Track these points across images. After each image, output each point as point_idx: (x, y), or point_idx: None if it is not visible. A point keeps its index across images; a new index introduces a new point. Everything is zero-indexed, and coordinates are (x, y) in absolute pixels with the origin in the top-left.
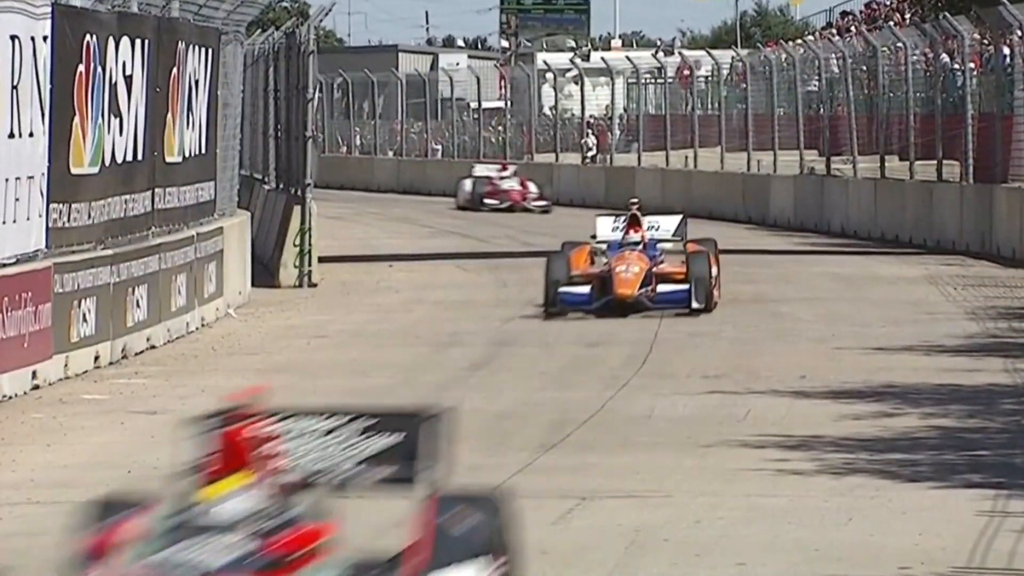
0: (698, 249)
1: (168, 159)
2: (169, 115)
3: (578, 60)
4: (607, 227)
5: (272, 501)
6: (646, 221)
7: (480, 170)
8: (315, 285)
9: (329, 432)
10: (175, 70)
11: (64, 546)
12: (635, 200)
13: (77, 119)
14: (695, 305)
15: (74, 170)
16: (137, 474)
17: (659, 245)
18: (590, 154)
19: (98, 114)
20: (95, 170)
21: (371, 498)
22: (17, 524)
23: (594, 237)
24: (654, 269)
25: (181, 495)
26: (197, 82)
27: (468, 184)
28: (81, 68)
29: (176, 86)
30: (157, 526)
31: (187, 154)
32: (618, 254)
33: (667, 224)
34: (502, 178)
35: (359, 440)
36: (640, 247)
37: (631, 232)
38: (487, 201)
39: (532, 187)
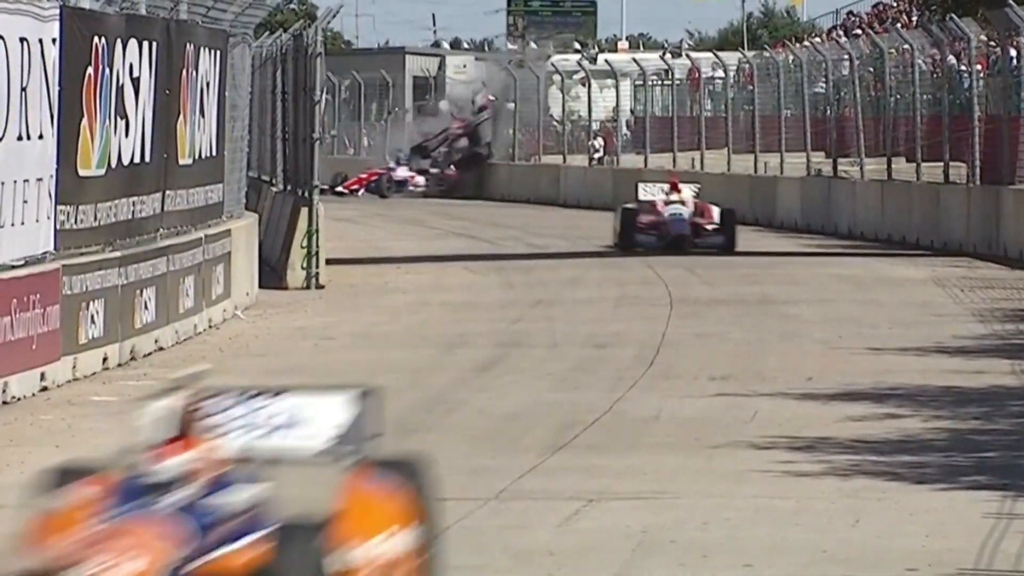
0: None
1: (180, 161)
2: (180, 117)
3: (585, 62)
4: (649, 191)
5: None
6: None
7: (645, 191)
8: (323, 287)
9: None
10: (185, 72)
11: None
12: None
13: (85, 121)
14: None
15: (81, 172)
16: None
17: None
18: (597, 156)
19: (105, 116)
20: (101, 172)
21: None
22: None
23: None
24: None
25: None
26: (208, 84)
27: (619, 213)
28: (90, 70)
29: (186, 88)
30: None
31: (198, 156)
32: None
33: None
34: (669, 202)
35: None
36: (679, 201)
37: (672, 194)
38: (640, 238)
39: (714, 211)
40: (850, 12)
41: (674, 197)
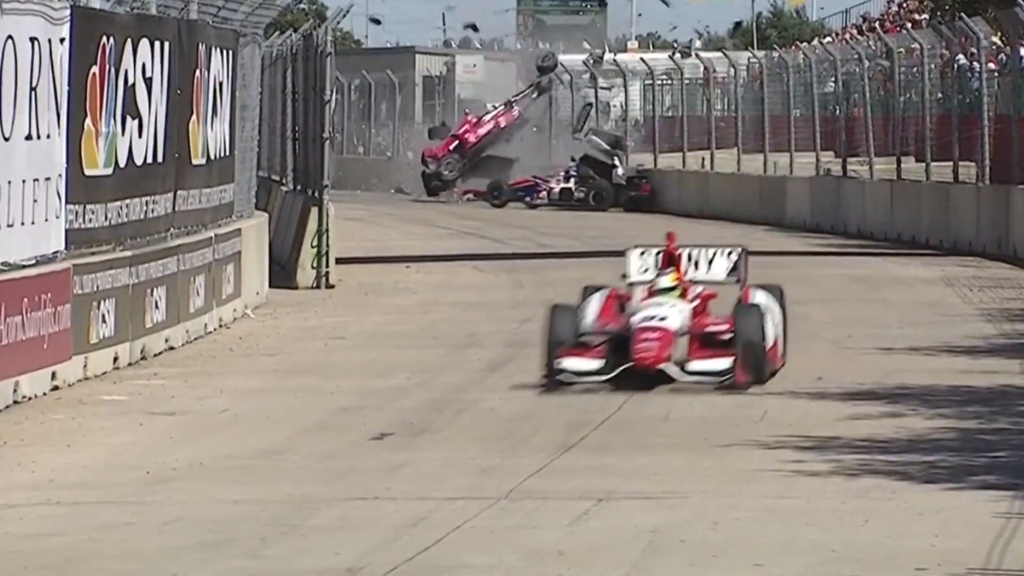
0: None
1: (193, 161)
2: (192, 117)
3: (590, 62)
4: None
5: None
6: (688, 257)
7: (640, 264)
8: (332, 286)
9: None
10: (197, 72)
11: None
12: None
13: (92, 120)
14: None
15: (88, 171)
16: (156, 475)
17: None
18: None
19: (111, 115)
20: (108, 172)
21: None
22: (37, 525)
23: (624, 277)
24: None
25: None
26: (220, 84)
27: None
28: (97, 70)
29: (198, 88)
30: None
31: (210, 156)
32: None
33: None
34: (657, 290)
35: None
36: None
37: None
38: (571, 365)
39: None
40: (864, 16)
41: (666, 281)
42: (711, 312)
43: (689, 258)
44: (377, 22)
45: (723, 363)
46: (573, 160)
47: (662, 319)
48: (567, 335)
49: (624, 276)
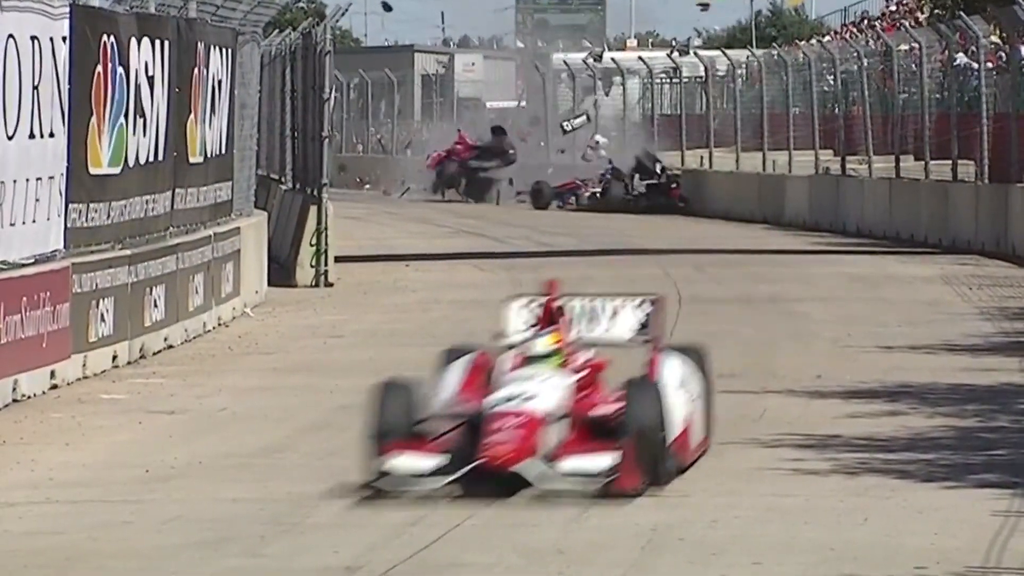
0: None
1: (191, 160)
2: (191, 116)
3: (591, 60)
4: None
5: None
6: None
7: (520, 320)
8: (332, 285)
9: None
10: (196, 71)
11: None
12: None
13: (94, 119)
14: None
15: (92, 170)
16: (155, 473)
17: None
18: (602, 153)
19: (118, 114)
20: (116, 170)
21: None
22: (37, 523)
23: (500, 337)
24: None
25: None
26: (219, 82)
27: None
28: (99, 68)
29: (198, 87)
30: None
31: (208, 154)
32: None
33: (624, 319)
34: (530, 357)
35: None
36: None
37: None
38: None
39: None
40: (864, 15)
41: (541, 345)
42: (603, 386)
43: (583, 313)
44: (388, 8)
45: (603, 461)
46: (610, 162)
47: (528, 399)
48: (399, 422)
49: (499, 336)
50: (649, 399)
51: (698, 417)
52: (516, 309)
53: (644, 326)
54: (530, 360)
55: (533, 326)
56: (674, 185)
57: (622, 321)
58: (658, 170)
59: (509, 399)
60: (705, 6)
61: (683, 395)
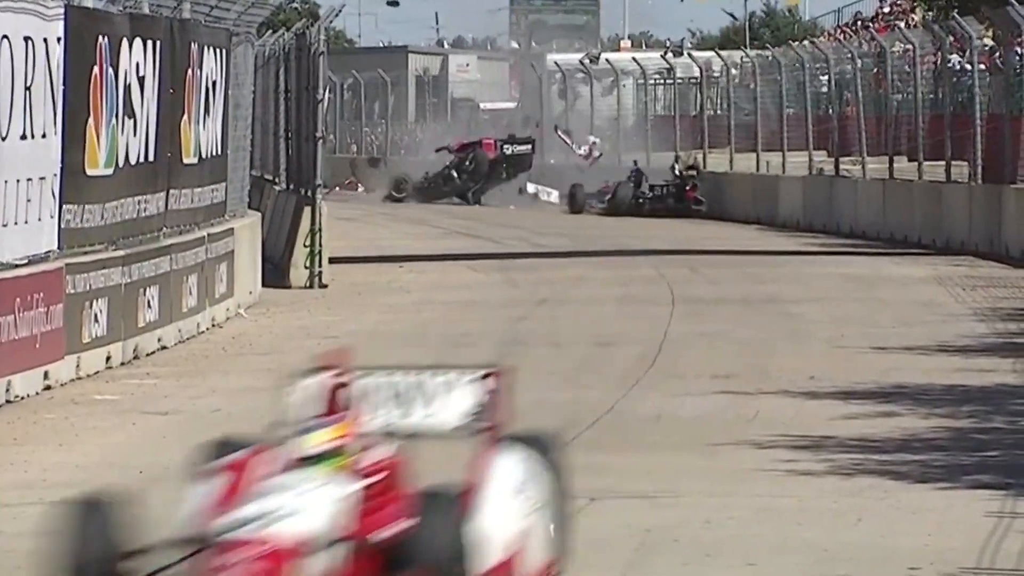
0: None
1: (185, 160)
2: (185, 116)
3: (586, 61)
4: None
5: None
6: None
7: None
8: (326, 286)
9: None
10: (189, 71)
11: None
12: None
13: (91, 120)
14: None
15: (89, 171)
16: (149, 474)
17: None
18: (597, 154)
19: (112, 115)
20: (109, 171)
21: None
22: (29, 524)
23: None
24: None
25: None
26: (212, 83)
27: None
28: (95, 69)
29: (191, 87)
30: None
31: (203, 155)
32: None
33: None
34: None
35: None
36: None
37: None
38: None
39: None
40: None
41: (314, 441)
42: (402, 493)
43: (391, 394)
44: (395, 3)
45: None
46: (635, 163)
47: (276, 520)
48: (97, 558)
49: (279, 425)
50: (444, 518)
51: (538, 534)
52: (304, 388)
53: (479, 409)
54: (302, 462)
55: (321, 415)
56: (688, 187)
57: (449, 403)
58: (676, 172)
59: (249, 521)
60: None
61: (517, 506)
